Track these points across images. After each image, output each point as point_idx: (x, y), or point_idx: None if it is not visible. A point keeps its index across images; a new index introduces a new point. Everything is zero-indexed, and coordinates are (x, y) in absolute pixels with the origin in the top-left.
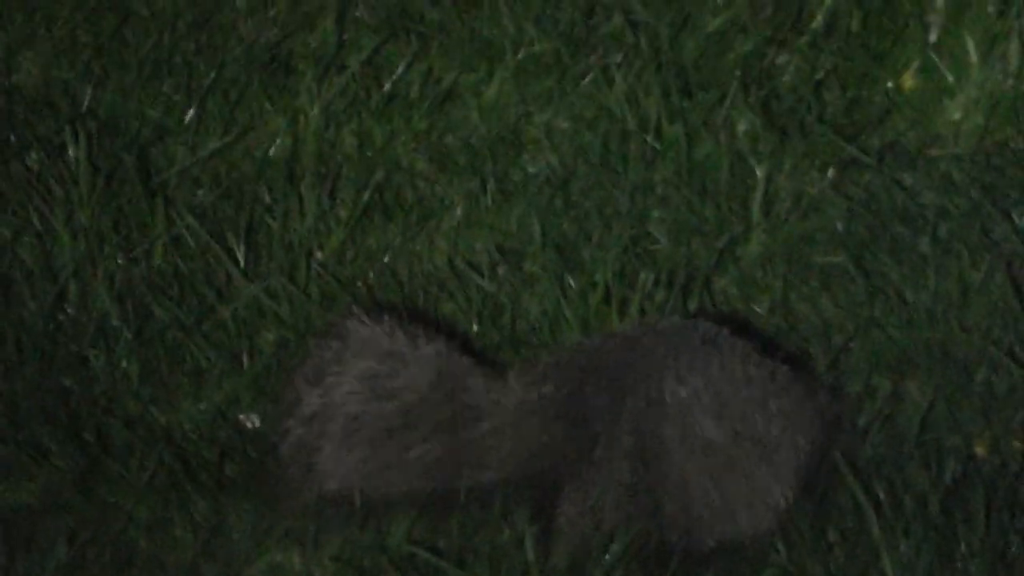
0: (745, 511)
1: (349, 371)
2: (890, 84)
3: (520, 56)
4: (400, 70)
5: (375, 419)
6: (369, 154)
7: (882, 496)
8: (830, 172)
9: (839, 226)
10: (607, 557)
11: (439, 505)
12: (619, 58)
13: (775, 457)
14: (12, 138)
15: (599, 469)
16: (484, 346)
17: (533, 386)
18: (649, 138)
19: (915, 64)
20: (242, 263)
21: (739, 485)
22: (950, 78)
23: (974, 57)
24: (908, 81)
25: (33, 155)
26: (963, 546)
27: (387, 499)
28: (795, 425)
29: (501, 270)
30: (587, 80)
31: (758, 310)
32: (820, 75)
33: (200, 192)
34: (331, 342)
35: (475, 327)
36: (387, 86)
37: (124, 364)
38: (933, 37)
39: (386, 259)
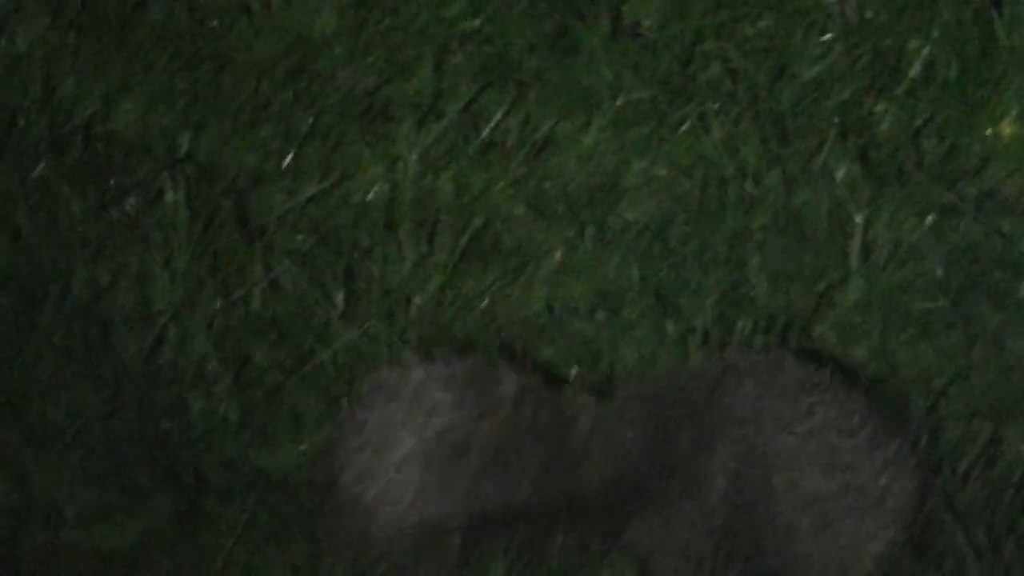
0: (851, 562)
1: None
2: (988, 132)
3: (618, 103)
4: (498, 117)
5: (456, 452)
6: (467, 201)
7: (982, 541)
8: (928, 219)
9: (938, 273)
10: None
11: (536, 544)
12: (716, 106)
13: (880, 507)
14: (111, 183)
15: (685, 509)
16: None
17: (614, 419)
18: (747, 185)
19: (1013, 112)
20: (340, 308)
21: (845, 537)
22: None
23: None
24: (1007, 129)
25: (131, 200)
26: None
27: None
28: (899, 473)
29: (599, 315)
30: (684, 128)
31: (857, 356)
32: (918, 123)
33: (299, 237)
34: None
35: (573, 372)
36: (484, 133)
37: (223, 408)
38: None
39: (484, 304)
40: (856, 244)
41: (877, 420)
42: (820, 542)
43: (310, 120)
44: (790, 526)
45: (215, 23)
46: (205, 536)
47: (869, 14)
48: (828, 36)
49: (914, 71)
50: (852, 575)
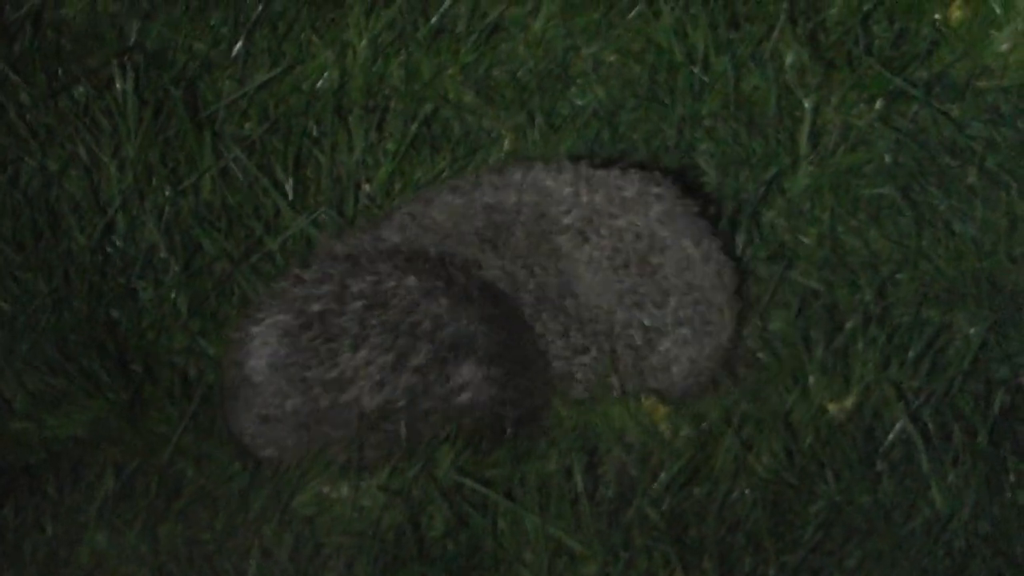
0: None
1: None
2: (937, 16)
3: None
4: (447, 3)
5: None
6: (417, 87)
7: (930, 426)
8: (878, 104)
9: (887, 158)
10: (655, 486)
11: (485, 430)
12: None
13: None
14: (59, 72)
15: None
16: None
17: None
18: (696, 70)
19: None
20: (290, 196)
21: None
22: (998, 10)
23: None
24: (956, 13)
25: (80, 89)
26: (1011, 476)
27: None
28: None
29: None
30: (634, 13)
31: (806, 241)
32: (867, 7)
33: (248, 125)
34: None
35: None
36: (434, 19)
37: (172, 296)
38: None
39: None
40: (805, 129)
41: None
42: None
43: (260, 7)
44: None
45: None
46: (154, 425)
47: None
48: None
49: None
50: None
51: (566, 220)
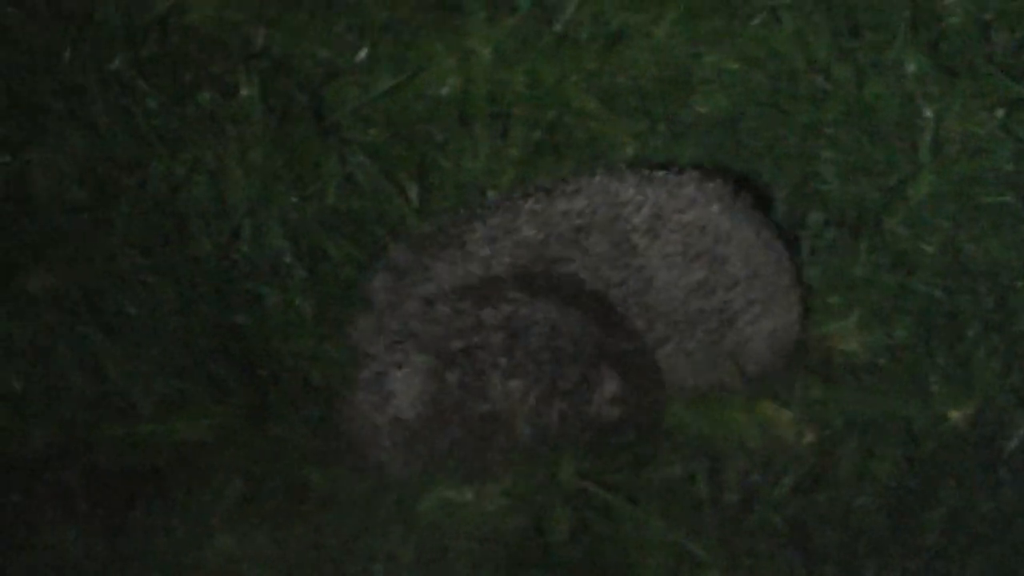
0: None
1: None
2: None
3: None
4: (570, 10)
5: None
6: (540, 94)
7: None
8: (999, 112)
9: (1008, 166)
10: (777, 492)
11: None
12: None
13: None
14: (186, 78)
15: None
16: None
17: None
18: (818, 78)
19: None
20: (415, 202)
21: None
22: None
23: None
24: None
25: (206, 94)
26: None
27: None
28: None
29: None
30: (756, 21)
31: (927, 249)
32: (988, 16)
33: (372, 131)
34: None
35: None
36: (557, 27)
37: (297, 301)
38: None
39: None
40: (927, 138)
41: None
42: None
43: (384, 14)
44: None
45: None
46: (279, 429)
47: None
48: None
49: None
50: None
51: (636, 219)
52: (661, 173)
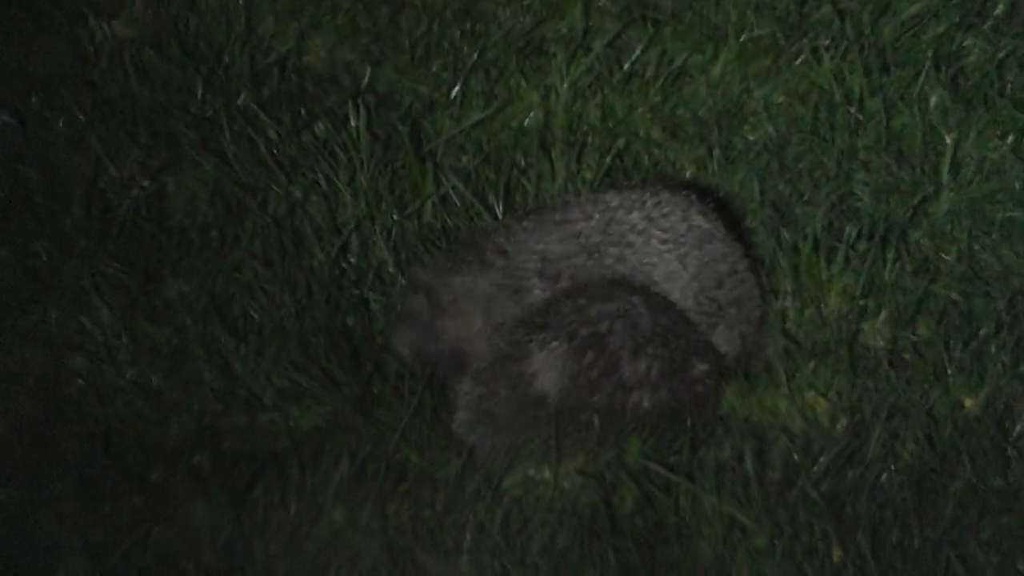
0: None
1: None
2: None
3: (742, 39)
4: (638, 52)
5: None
6: (611, 124)
7: None
8: (1010, 139)
9: (1017, 186)
10: (815, 470)
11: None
12: (827, 41)
13: None
14: (302, 111)
15: None
16: None
17: None
18: (853, 110)
19: None
20: (501, 218)
21: None
22: None
23: None
24: None
25: (320, 126)
26: None
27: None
28: None
29: None
30: (800, 60)
31: (947, 258)
32: (1002, 55)
33: (464, 158)
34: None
35: None
36: (627, 66)
37: (399, 305)
38: None
39: None
40: (947, 161)
41: None
42: None
43: (475, 55)
44: None
45: None
46: (383, 416)
47: None
48: None
49: (999, 10)
50: None
51: (631, 221)
52: (640, 189)
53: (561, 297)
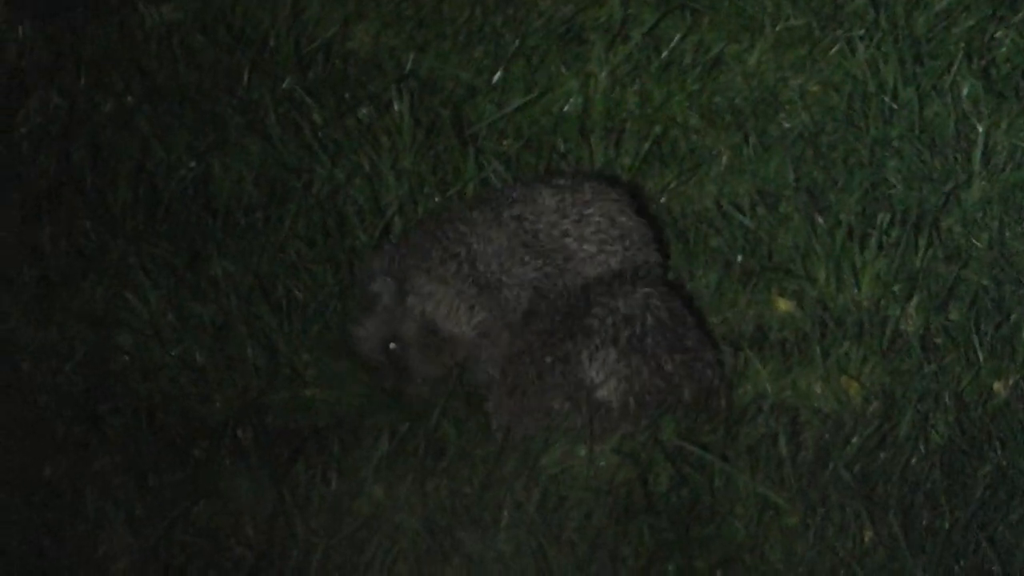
0: None
1: None
2: None
3: (778, 29)
4: (676, 40)
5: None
6: (649, 112)
7: None
8: None
9: None
10: (847, 451)
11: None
12: (862, 32)
13: None
14: (346, 96)
15: None
16: (744, 273)
17: None
18: (887, 99)
19: None
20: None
21: None
22: None
23: None
24: None
25: (364, 110)
26: None
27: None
28: None
29: (760, 210)
30: (834, 50)
31: (978, 245)
32: None
33: (505, 142)
34: None
35: (739, 258)
36: (665, 54)
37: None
38: None
39: (662, 200)
40: (978, 150)
41: None
42: None
43: (517, 42)
44: None
45: None
46: (422, 393)
47: None
48: None
49: None
50: None
51: (555, 213)
52: (567, 179)
53: (579, 292)
